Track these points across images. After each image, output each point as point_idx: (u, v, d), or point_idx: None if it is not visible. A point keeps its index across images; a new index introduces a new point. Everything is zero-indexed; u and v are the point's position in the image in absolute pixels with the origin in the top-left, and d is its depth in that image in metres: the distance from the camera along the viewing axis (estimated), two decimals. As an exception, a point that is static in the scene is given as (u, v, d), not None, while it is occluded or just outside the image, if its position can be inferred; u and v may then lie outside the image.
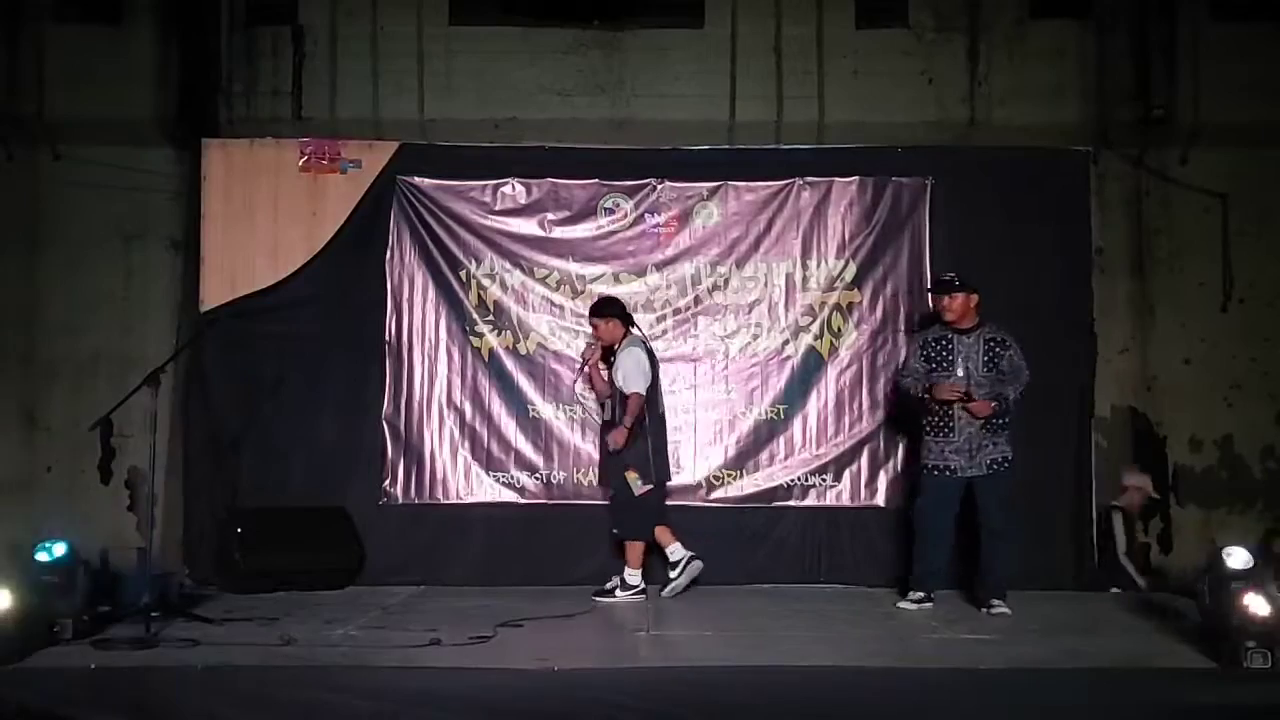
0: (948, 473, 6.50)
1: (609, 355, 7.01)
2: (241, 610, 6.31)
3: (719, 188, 7.80)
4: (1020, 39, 8.09)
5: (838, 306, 7.76)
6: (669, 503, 7.61)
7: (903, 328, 7.70)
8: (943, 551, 6.61)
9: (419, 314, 7.74)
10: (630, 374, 6.85)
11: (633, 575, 6.96)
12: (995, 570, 6.48)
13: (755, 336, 7.77)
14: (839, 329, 7.74)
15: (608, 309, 7.09)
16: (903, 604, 6.60)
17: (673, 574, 6.96)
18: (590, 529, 7.61)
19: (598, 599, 6.86)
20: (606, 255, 7.80)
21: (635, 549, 6.97)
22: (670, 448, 7.64)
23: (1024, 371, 6.53)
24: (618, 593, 6.91)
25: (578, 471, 7.67)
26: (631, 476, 6.85)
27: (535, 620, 6.20)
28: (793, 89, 8.07)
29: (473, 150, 7.84)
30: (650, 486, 6.91)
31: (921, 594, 6.58)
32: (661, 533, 7.01)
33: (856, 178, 7.76)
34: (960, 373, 6.50)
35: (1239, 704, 4.80)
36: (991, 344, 6.54)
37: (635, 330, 7.12)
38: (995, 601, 6.40)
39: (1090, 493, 7.60)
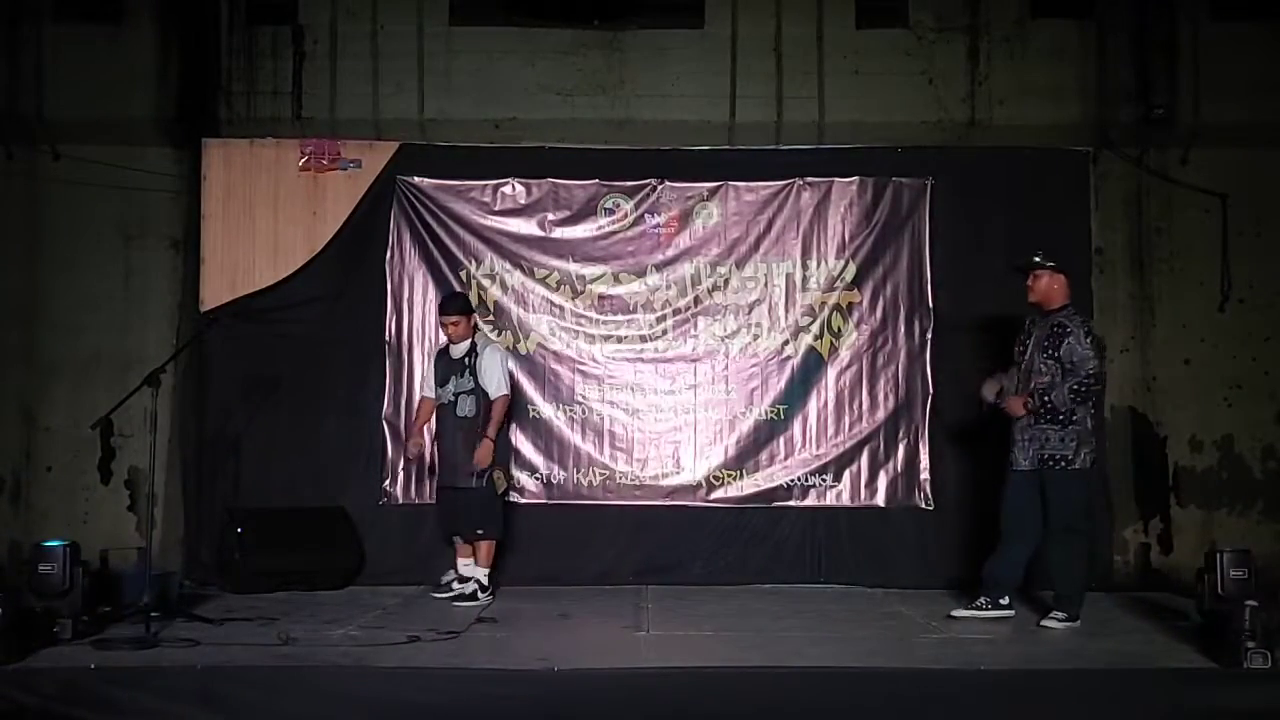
0: (1012, 466, 6.18)
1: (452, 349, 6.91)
2: (241, 610, 6.31)
3: (719, 188, 7.81)
4: (1020, 39, 8.08)
5: (838, 306, 7.76)
6: (670, 502, 7.66)
7: (902, 328, 7.71)
8: (1009, 554, 6.20)
9: (419, 314, 7.74)
10: (499, 376, 6.82)
11: (487, 576, 6.82)
12: (1053, 574, 6.14)
13: (755, 337, 7.77)
14: (839, 329, 7.74)
15: (464, 305, 7.00)
16: (957, 612, 6.26)
17: (482, 595, 6.75)
18: (590, 529, 7.64)
19: (438, 594, 6.80)
20: (606, 255, 7.81)
21: (491, 549, 6.85)
22: (670, 448, 7.69)
23: (1089, 361, 5.98)
24: (480, 595, 6.75)
25: (578, 471, 7.69)
26: (498, 476, 6.79)
27: (533, 619, 6.23)
28: (793, 89, 8.06)
29: (473, 150, 7.84)
30: (506, 486, 6.92)
31: (984, 599, 6.22)
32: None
33: (856, 178, 7.77)
34: (1027, 360, 6.20)
35: (1239, 704, 4.81)
36: (1055, 329, 6.09)
37: (482, 328, 7.20)
38: (1056, 614, 6.05)
39: (1102, 493, 7.60)
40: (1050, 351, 6.10)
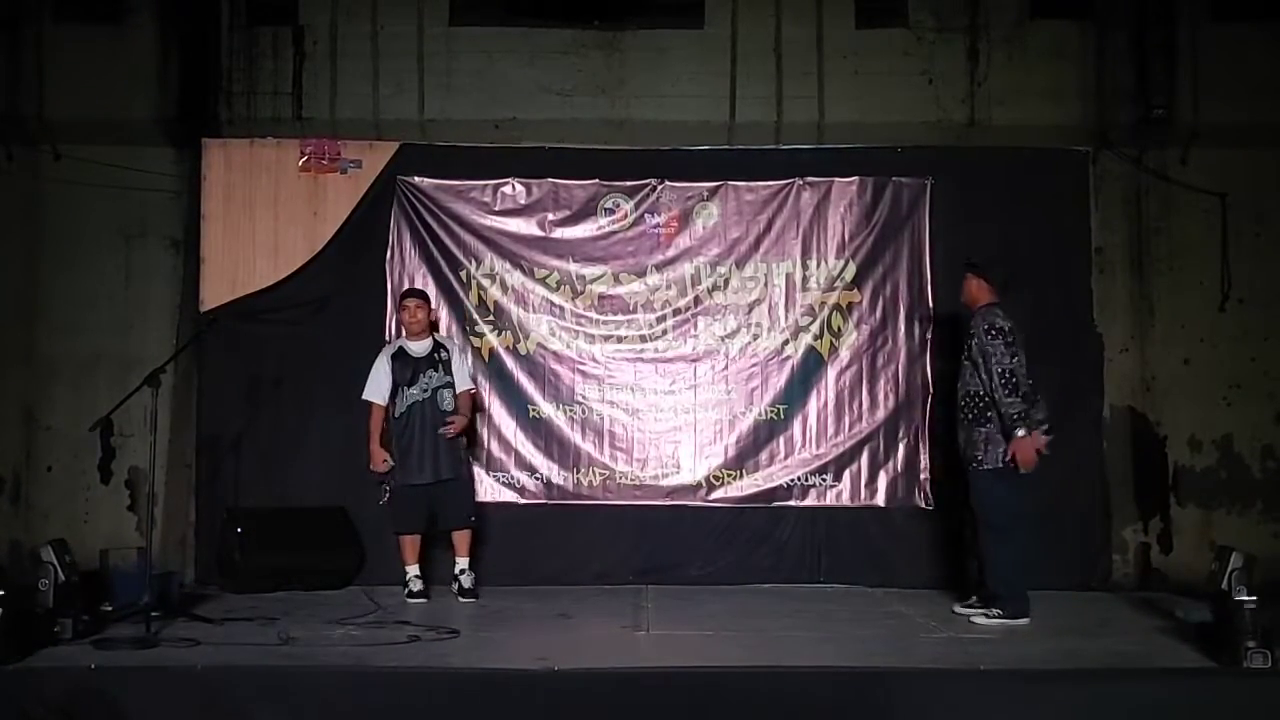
0: None
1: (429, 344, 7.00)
2: (241, 610, 6.32)
3: (719, 188, 7.81)
4: (1020, 39, 8.09)
5: (838, 306, 7.76)
6: (670, 502, 7.67)
7: (903, 328, 7.71)
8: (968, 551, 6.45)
9: (419, 314, 7.74)
10: (469, 371, 7.17)
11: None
12: (985, 571, 6.22)
13: (755, 336, 7.77)
14: (839, 329, 7.74)
15: (426, 294, 7.27)
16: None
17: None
18: (590, 529, 7.64)
19: (465, 599, 6.82)
20: (606, 255, 7.81)
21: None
22: (670, 448, 7.70)
23: (993, 358, 6.03)
24: (467, 581, 6.89)
25: (577, 471, 7.69)
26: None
27: (533, 619, 6.24)
28: (793, 89, 8.06)
29: (473, 150, 7.84)
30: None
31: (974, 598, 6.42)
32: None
33: (856, 178, 7.77)
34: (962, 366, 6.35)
35: (1239, 704, 4.81)
36: (970, 330, 6.27)
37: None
38: (990, 610, 6.14)
39: (1101, 493, 7.62)
40: (967, 352, 6.25)
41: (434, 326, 7.25)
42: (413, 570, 6.88)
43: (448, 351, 7.03)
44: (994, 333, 6.10)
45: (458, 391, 6.98)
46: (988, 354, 6.07)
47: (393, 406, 6.89)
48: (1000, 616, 6.10)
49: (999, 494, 6.14)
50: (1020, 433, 6.01)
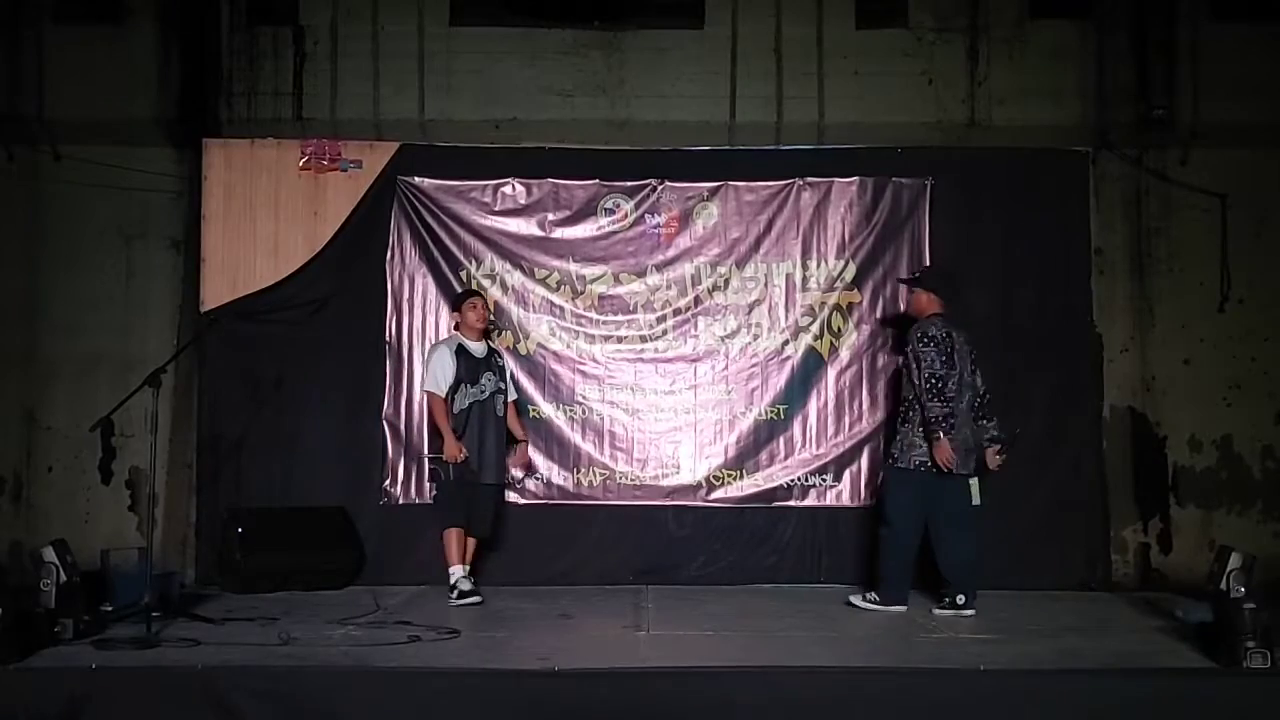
0: None
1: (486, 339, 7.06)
2: (241, 610, 6.32)
3: (719, 188, 7.81)
4: (1020, 39, 8.09)
5: (838, 307, 7.76)
6: (670, 502, 7.67)
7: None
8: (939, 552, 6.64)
9: (419, 314, 7.74)
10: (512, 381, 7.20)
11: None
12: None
13: (755, 337, 7.77)
14: (839, 329, 7.75)
15: None
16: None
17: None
18: (591, 529, 7.65)
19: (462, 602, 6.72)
20: (606, 255, 7.81)
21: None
22: (670, 448, 7.71)
23: (920, 362, 6.44)
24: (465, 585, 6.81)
25: (578, 471, 7.69)
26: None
27: (533, 619, 6.24)
28: (793, 89, 8.06)
29: (473, 150, 7.84)
30: None
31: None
32: None
33: (856, 178, 7.77)
34: None
35: (1239, 704, 4.81)
36: (908, 338, 6.57)
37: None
38: (868, 594, 6.60)
39: (1101, 493, 7.62)
40: (903, 359, 6.63)
41: (488, 331, 7.23)
42: (461, 570, 6.74)
43: (502, 358, 7.09)
44: (925, 340, 6.41)
45: (509, 400, 7.01)
46: (919, 358, 6.40)
47: (450, 402, 6.82)
48: (879, 604, 6.49)
49: (891, 489, 6.56)
50: (939, 436, 6.30)
